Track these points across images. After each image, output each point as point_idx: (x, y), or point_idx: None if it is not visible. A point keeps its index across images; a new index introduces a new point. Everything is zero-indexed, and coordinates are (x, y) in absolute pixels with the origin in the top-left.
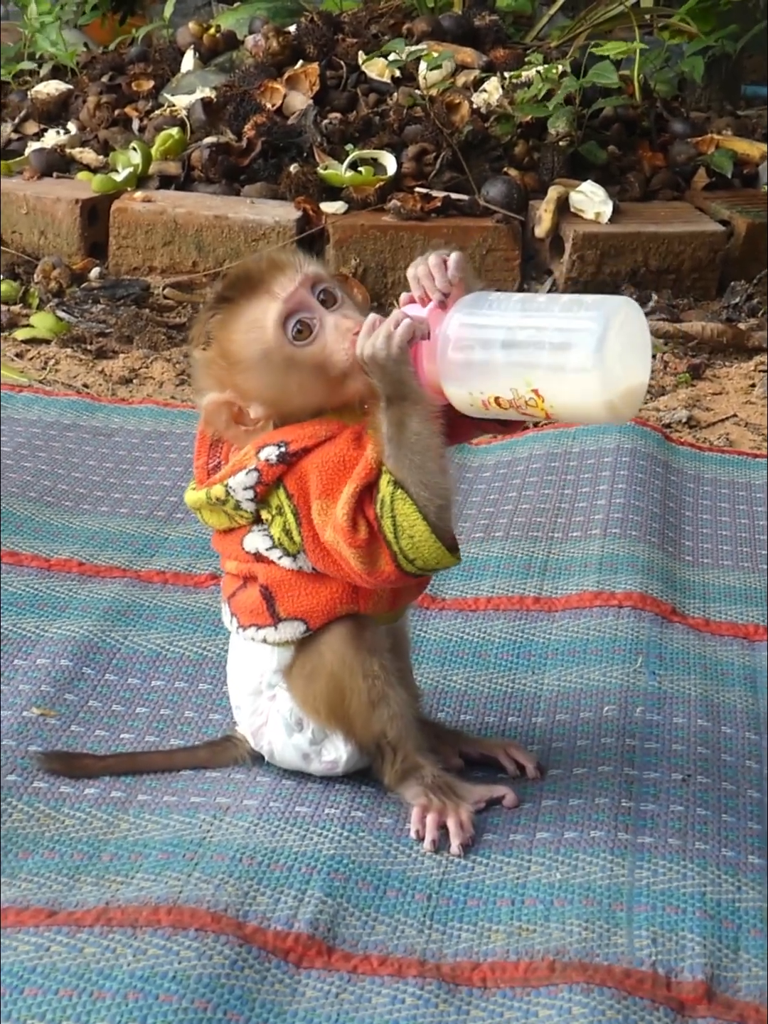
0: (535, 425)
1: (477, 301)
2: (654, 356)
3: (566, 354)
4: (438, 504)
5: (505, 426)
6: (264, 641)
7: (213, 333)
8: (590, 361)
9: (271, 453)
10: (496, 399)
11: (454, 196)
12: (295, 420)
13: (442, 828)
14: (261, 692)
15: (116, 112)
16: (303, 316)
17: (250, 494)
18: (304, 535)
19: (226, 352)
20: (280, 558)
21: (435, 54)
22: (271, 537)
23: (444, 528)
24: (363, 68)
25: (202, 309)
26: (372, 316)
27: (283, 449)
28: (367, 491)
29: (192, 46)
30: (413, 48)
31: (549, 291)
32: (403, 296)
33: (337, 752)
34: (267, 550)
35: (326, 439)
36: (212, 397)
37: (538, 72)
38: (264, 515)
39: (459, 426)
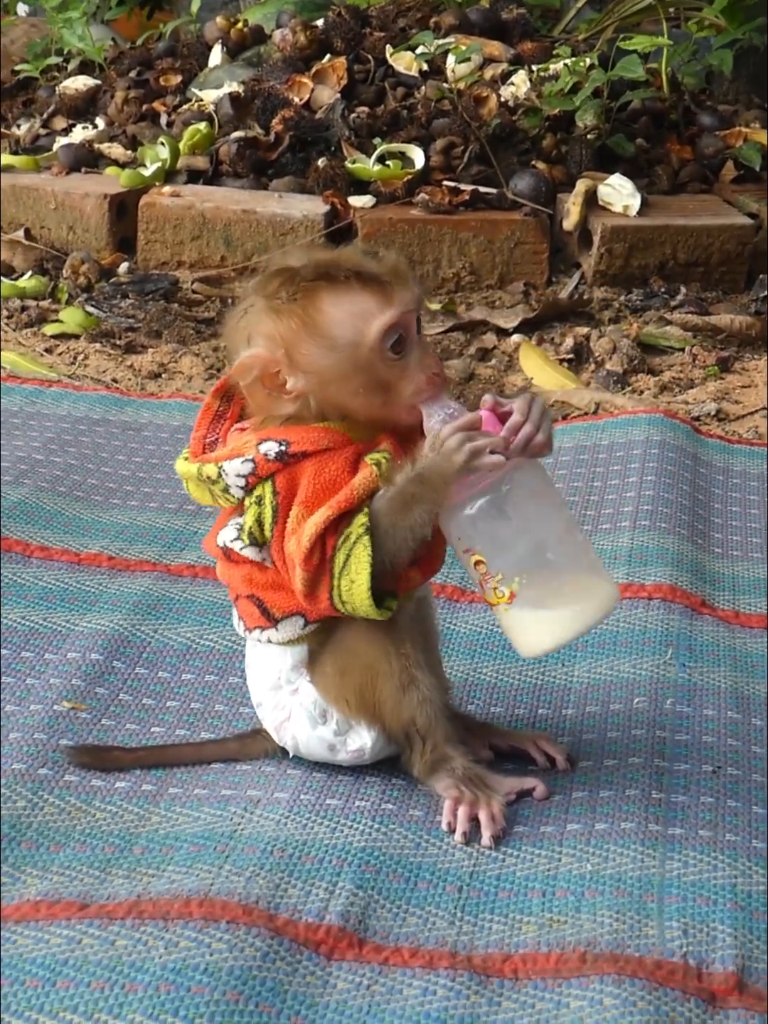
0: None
1: (537, 482)
2: (683, 349)
3: (561, 604)
4: (388, 572)
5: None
6: (269, 642)
7: (306, 291)
8: (567, 627)
9: (271, 449)
10: (477, 562)
11: (482, 189)
12: (324, 409)
13: (473, 820)
14: (281, 687)
15: (144, 107)
16: (404, 334)
17: (241, 482)
18: (275, 532)
19: (312, 320)
20: (243, 549)
21: (463, 47)
22: (240, 526)
23: (381, 586)
24: (391, 62)
25: (296, 261)
26: (472, 417)
27: (283, 448)
28: (340, 519)
29: (220, 41)
30: (441, 41)
31: (578, 284)
32: (487, 402)
33: (362, 740)
34: (232, 541)
35: (326, 449)
36: (258, 352)
37: (566, 65)
38: (247, 502)
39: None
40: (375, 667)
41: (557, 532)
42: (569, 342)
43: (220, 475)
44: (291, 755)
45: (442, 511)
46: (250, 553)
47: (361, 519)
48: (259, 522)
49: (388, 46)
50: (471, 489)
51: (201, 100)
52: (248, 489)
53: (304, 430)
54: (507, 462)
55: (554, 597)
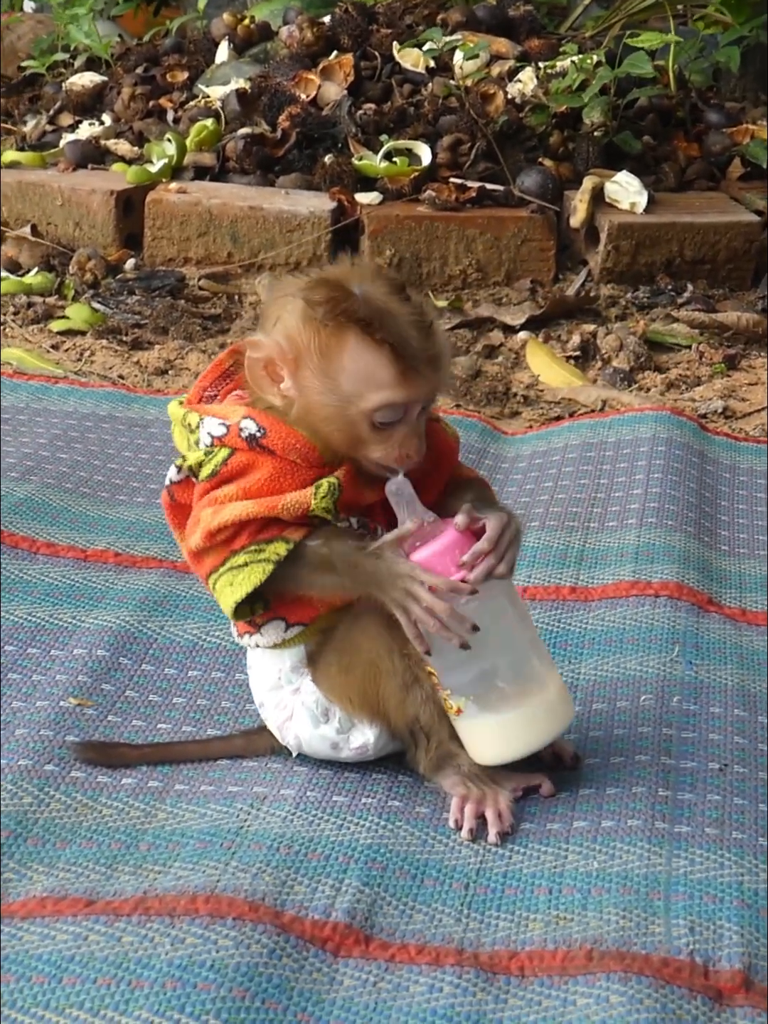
0: None
1: (497, 609)
2: (690, 346)
3: (503, 728)
4: (267, 598)
5: None
6: (257, 646)
7: (338, 328)
8: (501, 750)
9: (248, 427)
10: (430, 672)
11: (489, 186)
12: (298, 420)
13: (480, 818)
14: (282, 686)
15: (151, 103)
16: (404, 415)
17: (209, 440)
18: (201, 487)
19: (328, 355)
20: (176, 474)
21: (470, 44)
22: (182, 463)
23: (252, 600)
24: (398, 58)
25: (350, 302)
26: (443, 580)
27: (257, 435)
28: (255, 521)
29: (226, 37)
30: (448, 38)
31: (585, 281)
32: (460, 523)
33: (364, 737)
34: (177, 471)
35: (293, 456)
36: (274, 344)
37: (573, 62)
38: (200, 449)
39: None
40: (378, 665)
41: (510, 657)
42: (576, 339)
43: (198, 425)
44: (295, 754)
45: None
46: (173, 475)
47: (280, 548)
48: (198, 465)
49: (395, 43)
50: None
51: (208, 96)
52: (211, 448)
53: (284, 430)
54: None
55: (498, 720)
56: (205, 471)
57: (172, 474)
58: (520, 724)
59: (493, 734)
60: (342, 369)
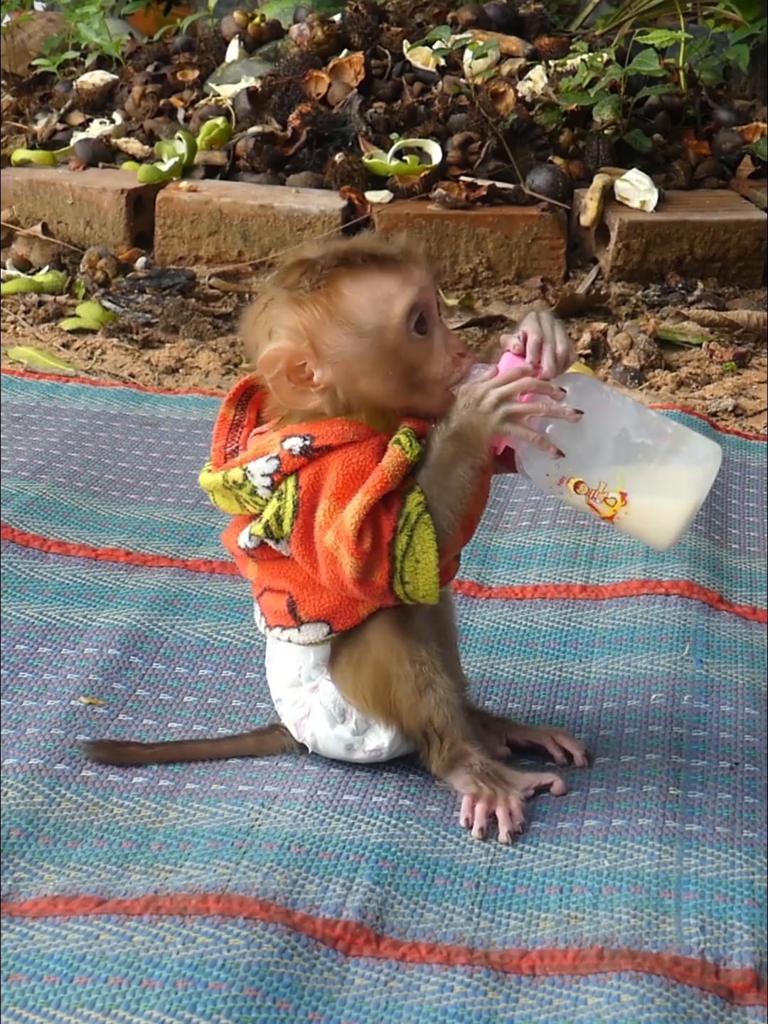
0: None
1: (592, 382)
2: (700, 344)
3: (673, 474)
4: (451, 543)
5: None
6: (289, 641)
7: (328, 282)
8: (689, 490)
9: (295, 444)
10: (576, 484)
11: (499, 185)
12: (351, 400)
13: (491, 817)
14: (301, 684)
15: (161, 102)
16: (426, 314)
17: (267, 481)
18: (295, 527)
19: (336, 307)
20: (260, 543)
21: (480, 43)
22: (256, 521)
23: (441, 569)
24: (408, 57)
25: (317, 252)
26: (505, 365)
27: (308, 443)
28: (380, 503)
29: (237, 35)
30: (458, 37)
31: (595, 280)
32: (508, 345)
33: (380, 740)
34: (248, 539)
35: (352, 442)
36: (283, 345)
37: (583, 60)
38: (270, 499)
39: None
40: (388, 667)
41: (632, 417)
42: (586, 337)
43: (246, 477)
44: (310, 752)
45: (523, 458)
46: (263, 546)
47: (416, 498)
48: (277, 516)
49: (405, 41)
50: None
51: (218, 95)
52: (274, 487)
53: (327, 424)
54: (548, 386)
55: (664, 474)
56: (287, 512)
57: (246, 542)
58: (686, 465)
59: (669, 492)
60: (356, 307)
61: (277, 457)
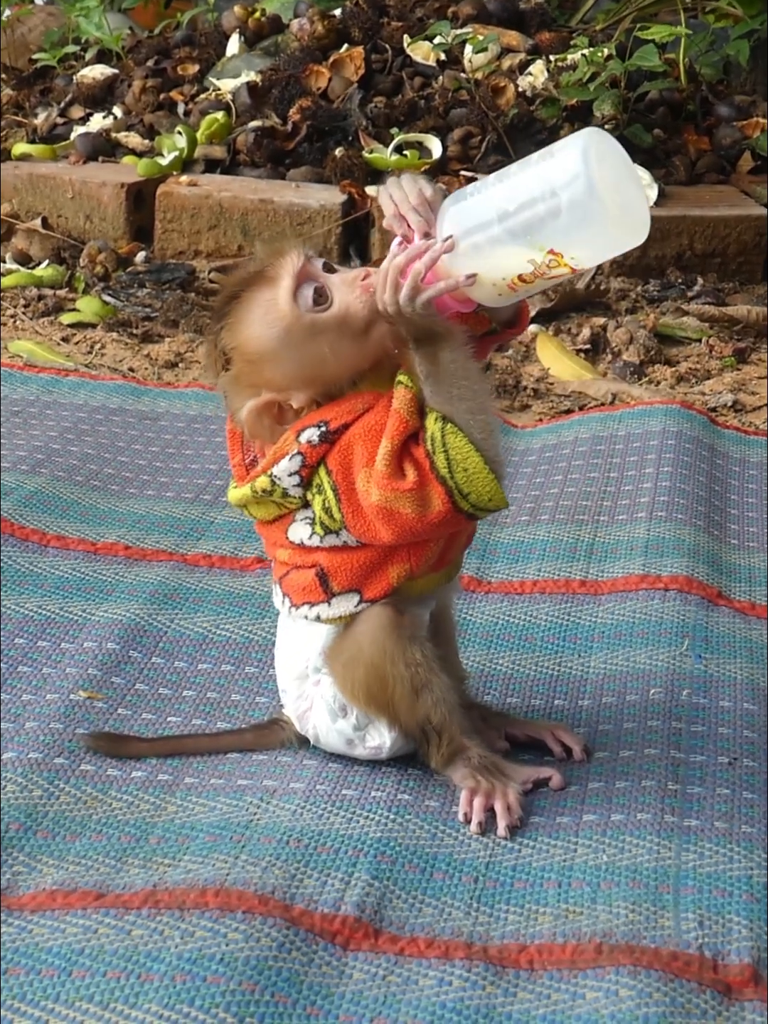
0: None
1: (457, 197)
2: (700, 340)
3: (559, 199)
4: (488, 430)
5: (512, 326)
6: (318, 618)
7: (228, 345)
8: (584, 192)
9: (313, 434)
10: (519, 277)
11: None
12: (336, 393)
13: (489, 811)
14: (307, 677)
15: (161, 96)
16: (315, 284)
17: (296, 480)
18: (345, 510)
19: (248, 354)
20: (323, 539)
21: (480, 37)
22: (312, 521)
23: (495, 458)
24: (408, 51)
25: (206, 335)
26: (382, 267)
27: (324, 428)
28: (408, 440)
29: (237, 30)
30: (458, 31)
31: (595, 274)
32: (396, 240)
33: (381, 738)
34: (309, 539)
35: (364, 411)
36: (249, 405)
37: (583, 55)
38: (308, 496)
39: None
40: (383, 669)
41: (501, 197)
42: (586, 332)
43: (274, 483)
44: (312, 745)
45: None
46: (330, 541)
47: (431, 416)
48: (326, 510)
49: (406, 36)
50: (445, 271)
51: (219, 89)
52: (305, 483)
53: (337, 405)
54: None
55: (556, 201)
56: (332, 501)
57: (313, 540)
58: (573, 183)
59: (578, 213)
60: (256, 338)
61: (299, 453)
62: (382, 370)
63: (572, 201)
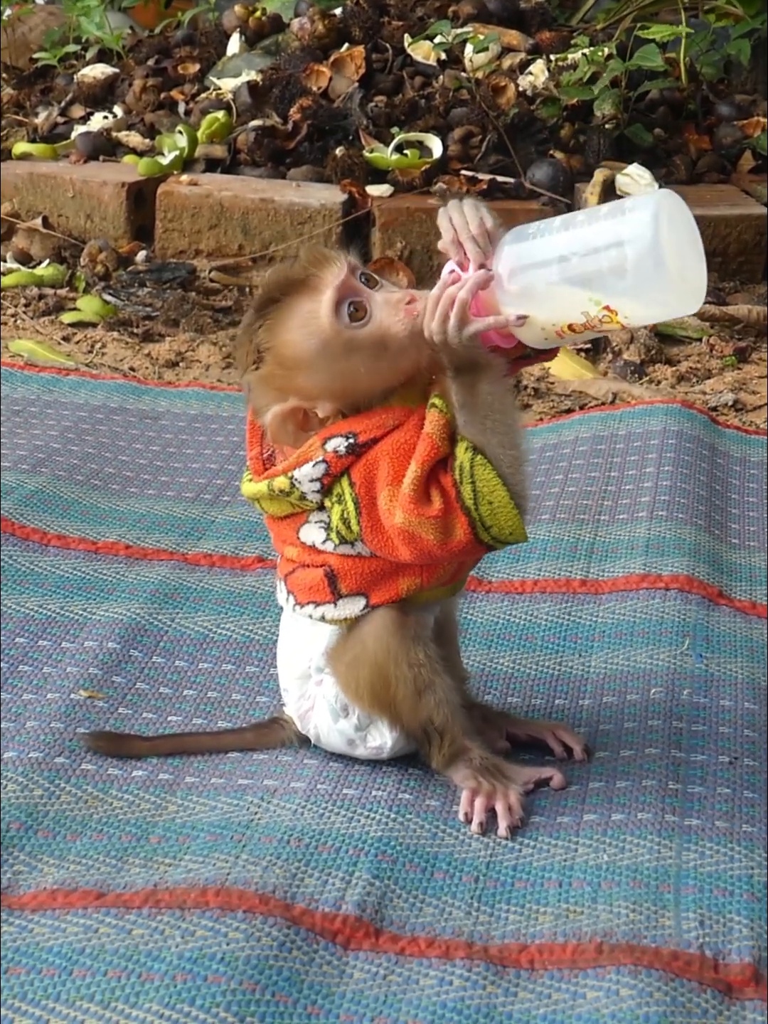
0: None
1: (518, 235)
2: (700, 339)
3: (625, 259)
4: (517, 466)
5: (544, 352)
6: (323, 618)
7: (264, 345)
8: (651, 257)
9: (340, 444)
10: (570, 326)
11: (500, 179)
12: (363, 407)
13: (490, 811)
14: (309, 676)
15: (162, 95)
16: (354, 299)
17: (317, 486)
18: (363, 524)
19: (282, 358)
20: (337, 547)
21: (481, 37)
22: (327, 527)
23: (521, 493)
24: (409, 51)
25: (243, 329)
26: (434, 293)
27: (352, 440)
28: (436, 466)
29: (238, 29)
30: (459, 31)
31: None
32: (449, 264)
33: (382, 738)
34: (323, 543)
35: (394, 428)
36: (275, 409)
37: (584, 55)
38: (326, 502)
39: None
40: (386, 670)
41: (564, 242)
42: None
43: (293, 485)
44: (312, 744)
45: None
46: (344, 551)
47: (462, 445)
48: (344, 520)
49: (406, 35)
50: (495, 308)
51: (219, 89)
52: (325, 490)
53: (366, 417)
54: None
55: (621, 259)
56: (351, 513)
57: (327, 545)
58: (639, 241)
59: (638, 275)
60: (294, 345)
61: (324, 461)
62: (413, 386)
63: (638, 262)
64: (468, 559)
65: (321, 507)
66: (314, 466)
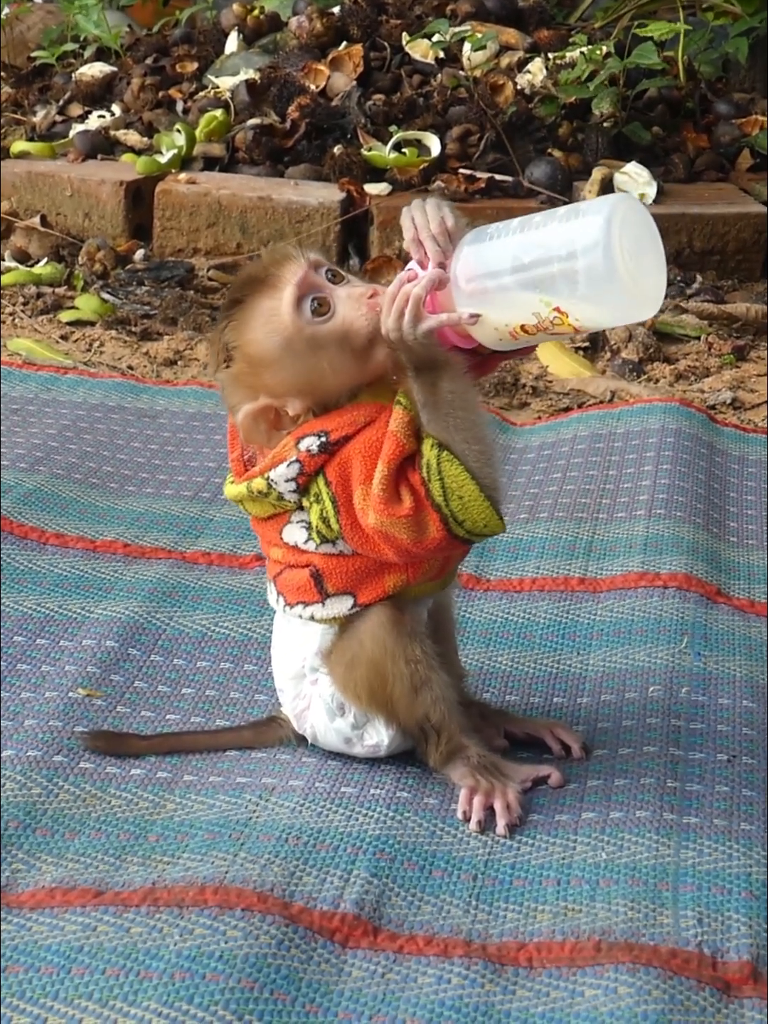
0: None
1: (477, 236)
2: (699, 337)
3: (575, 263)
4: (484, 459)
5: (519, 353)
6: (311, 618)
7: (231, 343)
8: (602, 264)
9: (312, 443)
10: (521, 327)
11: (498, 177)
12: (333, 404)
13: (489, 809)
14: (304, 676)
15: (160, 94)
16: (316, 295)
17: (292, 485)
18: (342, 522)
19: (249, 356)
20: (318, 547)
21: (479, 35)
22: (308, 526)
23: (491, 485)
24: (407, 49)
25: (212, 330)
26: (389, 290)
27: (324, 439)
28: (404, 463)
29: (236, 28)
30: (457, 29)
31: None
32: (411, 262)
33: (379, 736)
34: (305, 543)
35: (365, 425)
36: (247, 408)
37: (582, 53)
38: (304, 502)
39: (479, 366)
40: (383, 666)
41: (516, 243)
42: None
43: (270, 486)
44: (309, 744)
45: (460, 359)
46: (325, 549)
47: (427, 442)
48: (323, 519)
49: (404, 34)
50: (450, 306)
51: (217, 87)
52: (301, 489)
53: (338, 415)
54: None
55: (572, 262)
56: (330, 512)
57: (309, 545)
58: (592, 246)
59: (590, 280)
60: (256, 343)
61: (297, 461)
62: (384, 383)
63: (588, 269)
64: (453, 553)
65: (301, 507)
66: (288, 466)
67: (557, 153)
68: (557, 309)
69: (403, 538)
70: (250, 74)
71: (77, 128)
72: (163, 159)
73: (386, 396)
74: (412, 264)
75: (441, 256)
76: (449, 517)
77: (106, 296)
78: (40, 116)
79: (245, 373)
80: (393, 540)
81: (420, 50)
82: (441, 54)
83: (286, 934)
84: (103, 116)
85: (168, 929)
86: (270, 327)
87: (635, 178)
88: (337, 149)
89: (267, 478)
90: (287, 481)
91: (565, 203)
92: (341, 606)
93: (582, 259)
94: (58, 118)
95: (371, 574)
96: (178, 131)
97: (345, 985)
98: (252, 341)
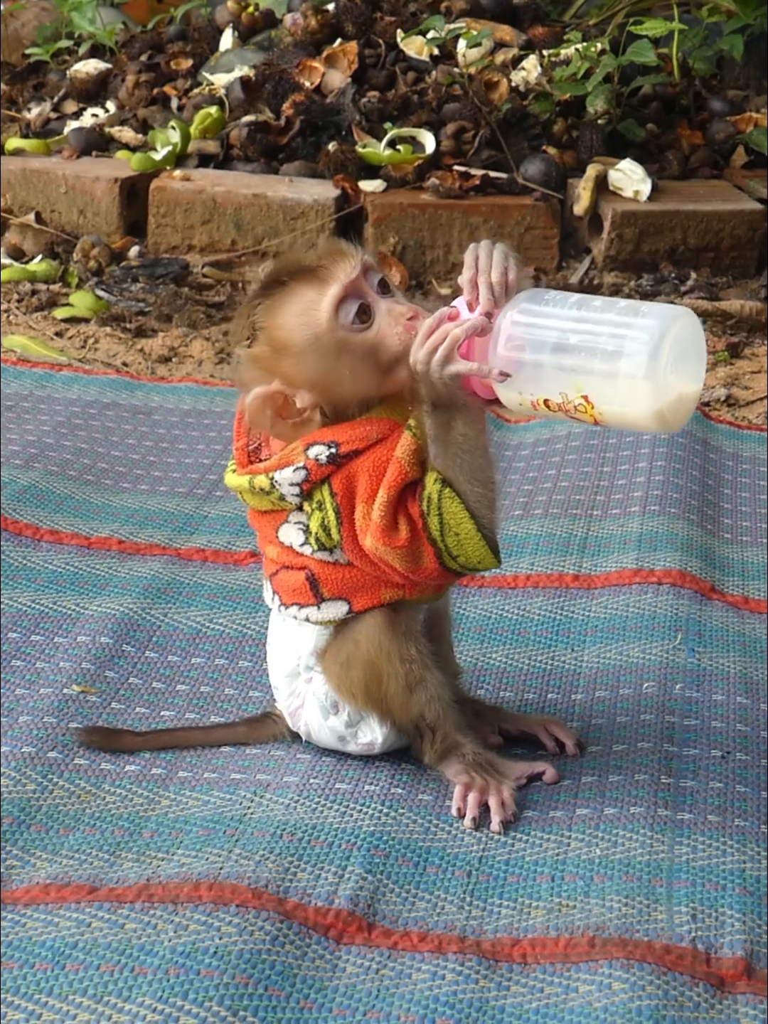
0: None
1: (533, 298)
2: None
3: (617, 362)
4: (486, 502)
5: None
6: (306, 620)
7: (260, 323)
8: (642, 371)
9: (321, 453)
10: (545, 401)
11: (493, 174)
12: (342, 408)
13: (483, 806)
14: (298, 674)
15: (155, 91)
16: (361, 301)
17: (296, 490)
18: (343, 534)
19: (274, 340)
20: (315, 553)
21: (474, 32)
22: (306, 531)
23: (490, 526)
24: (402, 46)
25: (244, 303)
26: (428, 322)
27: (334, 450)
28: (405, 491)
29: (231, 24)
30: (452, 26)
31: (588, 269)
32: (459, 299)
33: (373, 734)
34: (300, 546)
35: (377, 441)
36: (257, 390)
37: (577, 50)
38: (305, 507)
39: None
40: (378, 665)
41: (568, 320)
42: None
43: (273, 485)
44: (304, 741)
45: (479, 404)
46: (321, 556)
47: (432, 476)
48: (324, 527)
49: (399, 30)
50: (483, 358)
51: (212, 84)
52: (305, 494)
53: (350, 427)
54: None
55: (614, 361)
56: (332, 521)
57: (305, 548)
58: (637, 345)
59: (625, 377)
60: (289, 332)
61: (304, 467)
62: (400, 399)
63: (629, 376)
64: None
65: (300, 508)
66: (294, 471)
67: (552, 150)
68: (585, 397)
69: (397, 566)
70: (245, 71)
71: (72, 125)
72: (158, 156)
73: (401, 412)
74: (459, 302)
75: (491, 306)
76: (444, 551)
77: (101, 293)
78: (35, 113)
79: (265, 356)
80: (388, 566)
81: (415, 47)
82: (436, 51)
83: (281, 930)
84: (97, 113)
85: (163, 925)
86: (305, 319)
87: (629, 175)
88: (332, 146)
89: (271, 477)
90: (291, 485)
91: (560, 200)
92: (336, 611)
93: (625, 363)
94: (53, 115)
95: (367, 586)
96: (173, 128)
97: (340, 981)
98: (282, 326)
